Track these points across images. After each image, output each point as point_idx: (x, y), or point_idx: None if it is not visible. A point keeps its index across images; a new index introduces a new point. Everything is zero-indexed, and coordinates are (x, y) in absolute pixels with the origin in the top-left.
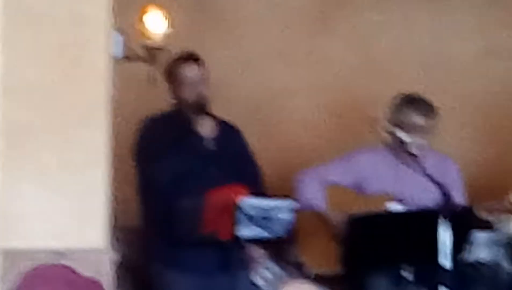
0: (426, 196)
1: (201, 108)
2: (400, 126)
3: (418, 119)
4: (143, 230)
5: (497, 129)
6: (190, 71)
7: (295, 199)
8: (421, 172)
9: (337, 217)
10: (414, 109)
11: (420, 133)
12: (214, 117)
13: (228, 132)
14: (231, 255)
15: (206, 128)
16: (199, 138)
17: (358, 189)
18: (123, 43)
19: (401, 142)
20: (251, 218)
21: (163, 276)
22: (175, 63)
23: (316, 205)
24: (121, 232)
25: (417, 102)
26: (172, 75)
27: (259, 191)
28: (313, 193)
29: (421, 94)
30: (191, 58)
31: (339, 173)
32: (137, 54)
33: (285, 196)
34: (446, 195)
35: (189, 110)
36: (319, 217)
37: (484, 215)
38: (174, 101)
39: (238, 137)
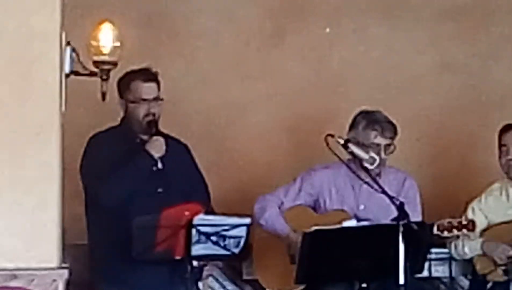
0: (383, 213)
1: (150, 126)
2: (359, 143)
3: (378, 140)
4: (91, 248)
5: (452, 145)
6: (144, 89)
7: (249, 217)
8: (378, 190)
9: (297, 238)
10: (376, 129)
11: (379, 151)
12: (162, 134)
13: (177, 150)
14: (184, 273)
15: (155, 147)
16: (147, 157)
17: (316, 207)
18: (74, 59)
19: (359, 159)
20: (205, 236)
21: None
22: (130, 79)
23: (280, 230)
24: (72, 250)
25: (379, 122)
26: (125, 90)
27: (208, 209)
28: (275, 218)
29: (382, 113)
30: (147, 75)
31: (295, 196)
32: (88, 69)
33: (239, 214)
34: (403, 212)
35: (138, 128)
36: (281, 239)
37: (441, 233)
38: (124, 116)
39: (186, 155)
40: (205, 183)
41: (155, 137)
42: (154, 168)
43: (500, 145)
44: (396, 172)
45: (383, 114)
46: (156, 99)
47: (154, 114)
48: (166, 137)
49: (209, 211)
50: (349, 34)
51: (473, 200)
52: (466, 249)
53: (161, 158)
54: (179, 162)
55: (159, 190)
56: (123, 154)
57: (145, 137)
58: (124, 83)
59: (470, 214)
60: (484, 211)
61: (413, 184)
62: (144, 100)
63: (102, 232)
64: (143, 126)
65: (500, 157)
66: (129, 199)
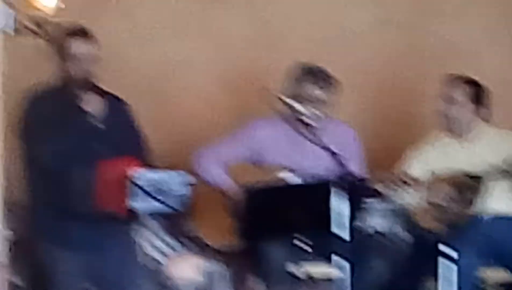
0: (322, 166)
1: (87, 84)
2: (298, 97)
3: (316, 92)
4: (30, 207)
5: (389, 97)
6: (77, 47)
7: (191, 173)
8: (317, 143)
9: (239, 191)
10: (313, 81)
11: (318, 105)
12: (102, 91)
13: (115, 107)
14: (123, 229)
15: (92, 104)
16: (84, 115)
17: (255, 162)
18: (12, 16)
19: (298, 113)
20: (145, 191)
21: (52, 253)
22: (64, 38)
23: (221, 183)
24: (9, 207)
25: (316, 74)
26: (60, 49)
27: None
28: (214, 172)
29: (319, 66)
30: (80, 33)
31: (234, 150)
32: (26, 27)
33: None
34: (342, 165)
35: (75, 86)
36: (222, 193)
37: (378, 186)
38: (61, 75)
39: (125, 112)
40: (145, 141)
41: (91, 95)
42: (92, 126)
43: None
44: (340, 125)
45: (319, 67)
46: (90, 56)
47: (88, 72)
48: (107, 94)
49: (153, 166)
50: None
51: (412, 149)
52: (406, 195)
53: (100, 116)
54: (119, 119)
55: (98, 148)
56: (60, 112)
57: (81, 95)
58: (58, 41)
59: (410, 162)
60: (422, 159)
61: (355, 137)
62: (77, 58)
63: (42, 191)
64: (78, 84)
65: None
66: (67, 157)
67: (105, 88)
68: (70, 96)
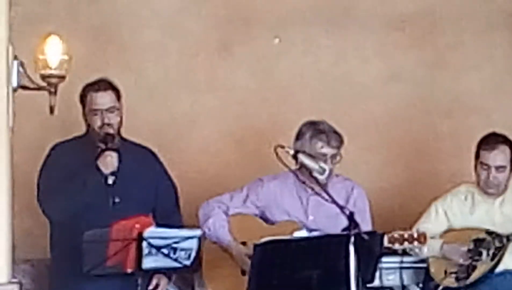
0: (332, 223)
1: (107, 138)
2: (307, 154)
3: (325, 150)
4: (51, 262)
5: (400, 153)
6: (97, 100)
7: (199, 228)
8: (327, 199)
9: (239, 249)
10: (322, 139)
11: (325, 162)
12: (126, 142)
13: (136, 158)
14: (135, 286)
15: (105, 163)
16: (97, 173)
17: (264, 218)
18: (21, 73)
19: (307, 169)
20: (156, 248)
21: None
22: (85, 89)
23: (222, 238)
24: (22, 265)
25: (325, 133)
26: (82, 101)
27: (172, 210)
28: (219, 225)
29: (327, 123)
30: (100, 85)
31: (241, 205)
32: (36, 83)
33: (189, 226)
34: (353, 221)
35: (98, 139)
36: (223, 249)
37: (392, 245)
38: (86, 128)
39: (147, 161)
40: (172, 186)
41: (107, 153)
42: (105, 183)
43: (478, 160)
44: (344, 180)
45: (328, 124)
46: (111, 108)
47: (110, 124)
48: (133, 145)
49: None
50: (296, 45)
51: (437, 199)
52: (424, 249)
53: (113, 172)
54: (136, 171)
55: (116, 200)
56: (78, 167)
57: (100, 149)
58: (82, 95)
59: (433, 213)
60: (447, 212)
61: (361, 193)
62: (98, 110)
63: (55, 246)
64: (100, 137)
65: (476, 170)
66: (80, 213)
67: (131, 139)
68: (94, 148)
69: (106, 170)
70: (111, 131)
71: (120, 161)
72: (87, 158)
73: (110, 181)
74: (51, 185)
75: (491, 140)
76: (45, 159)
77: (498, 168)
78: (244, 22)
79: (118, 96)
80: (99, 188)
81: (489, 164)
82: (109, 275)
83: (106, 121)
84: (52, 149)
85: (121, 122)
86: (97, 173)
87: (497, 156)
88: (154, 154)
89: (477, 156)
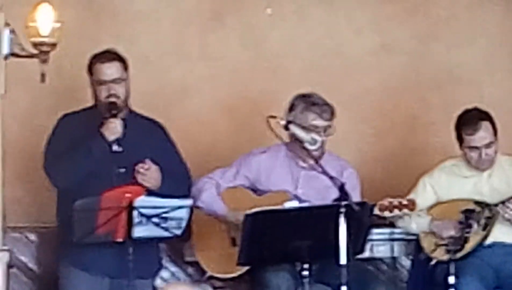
0: (322, 196)
1: (112, 108)
2: (299, 125)
3: (317, 122)
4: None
5: (391, 125)
6: (103, 70)
7: (191, 198)
8: (319, 170)
9: (237, 216)
10: (314, 112)
11: (318, 133)
12: (134, 114)
13: (142, 130)
14: (127, 256)
15: (109, 129)
16: (101, 140)
17: (256, 190)
18: (13, 40)
19: (300, 141)
20: (146, 218)
21: (68, 274)
22: (92, 61)
23: (218, 210)
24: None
25: (317, 104)
26: (89, 72)
27: (178, 184)
28: (212, 198)
29: (319, 95)
30: (106, 57)
31: (233, 178)
32: (27, 51)
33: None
34: (343, 192)
35: (103, 109)
36: (220, 220)
37: (382, 212)
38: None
39: (154, 134)
40: (178, 161)
41: (111, 120)
42: (110, 150)
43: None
44: (338, 159)
45: (320, 96)
46: (117, 80)
47: (115, 95)
48: (137, 116)
49: (153, 193)
50: (288, 15)
51: (425, 174)
52: (413, 225)
53: (118, 140)
54: (142, 142)
55: (121, 170)
56: (82, 136)
57: (106, 118)
58: (89, 66)
59: (420, 188)
60: (435, 186)
61: (352, 173)
62: (103, 81)
63: (61, 213)
64: (106, 107)
65: (464, 151)
66: (84, 180)
67: (137, 110)
68: (95, 119)
69: (109, 136)
70: (117, 101)
71: (126, 131)
72: (94, 128)
73: (114, 148)
74: (58, 153)
75: (470, 122)
76: (53, 129)
77: (487, 145)
78: None
79: (125, 67)
80: (103, 155)
81: (477, 146)
82: (100, 245)
83: (112, 92)
84: (60, 119)
85: (128, 93)
86: (101, 140)
87: (482, 136)
88: (163, 128)
89: (462, 140)
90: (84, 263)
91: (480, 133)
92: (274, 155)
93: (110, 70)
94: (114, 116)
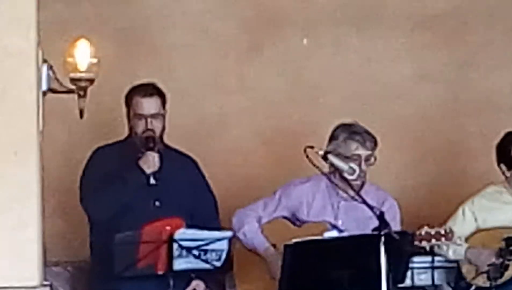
0: (364, 225)
1: (149, 142)
2: (340, 155)
3: (359, 151)
4: (90, 263)
5: (430, 153)
6: (142, 104)
7: (230, 230)
8: (359, 200)
9: (276, 258)
10: (357, 140)
11: (360, 163)
12: (168, 148)
13: (177, 165)
14: (168, 288)
15: (147, 162)
16: (139, 172)
17: (294, 220)
18: (51, 76)
19: (339, 170)
20: (187, 250)
21: None
22: (131, 94)
23: (258, 245)
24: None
25: (359, 133)
26: (126, 103)
27: (211, 220)
28: (253, 233)
29: (360, 124)
30: (146, 90)
31: (274, 210)
32: (65, 87)
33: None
34: (383, 222)
35: (139, 143)
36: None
37: (420, 243)
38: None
39: (188, 170)
40: (210, 196)
41: (148, 153)
42: (147, 183)
43: (502, 161)
44: (378, 189)
45: (362, 126)
46: (156, 115)
47: (152, 130)
48: (172, 151)
49: (194, 226)
50: (325, 45)
51: (465, 202)
52: (450, 253)
53: (155, 173)
54: (177, 176)
55: (157, 203)
56: (119, 169)
57: (142, 152)
58: (126, 98)
59: (460, 215)
60: (475, 213)
61: (393, 204)
62: (142, 115)
63: (95, 247)
64: (142, 141)
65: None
66: (120, 214)
67: (175, 143)
68: (135, 152)
69: (148, 169)
70: (153, 136)
71: (161, 165)
72: (129, 160)
73: (151, 181)
74: (93, 185)
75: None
76: (87, 161)
77: None
78: (273, 23)
79: (164, 102)
80: (140, 188)
81: None
82: (140, 279)
83: (149, 126)
84: (94, 152)
85: (164, 127)
86: (138, 172)
87: None
88: (196, 163)
89: (501, 160)
90: None
91: None
92: (316, 185)
93: (149, 104)
94: (151, 149)
